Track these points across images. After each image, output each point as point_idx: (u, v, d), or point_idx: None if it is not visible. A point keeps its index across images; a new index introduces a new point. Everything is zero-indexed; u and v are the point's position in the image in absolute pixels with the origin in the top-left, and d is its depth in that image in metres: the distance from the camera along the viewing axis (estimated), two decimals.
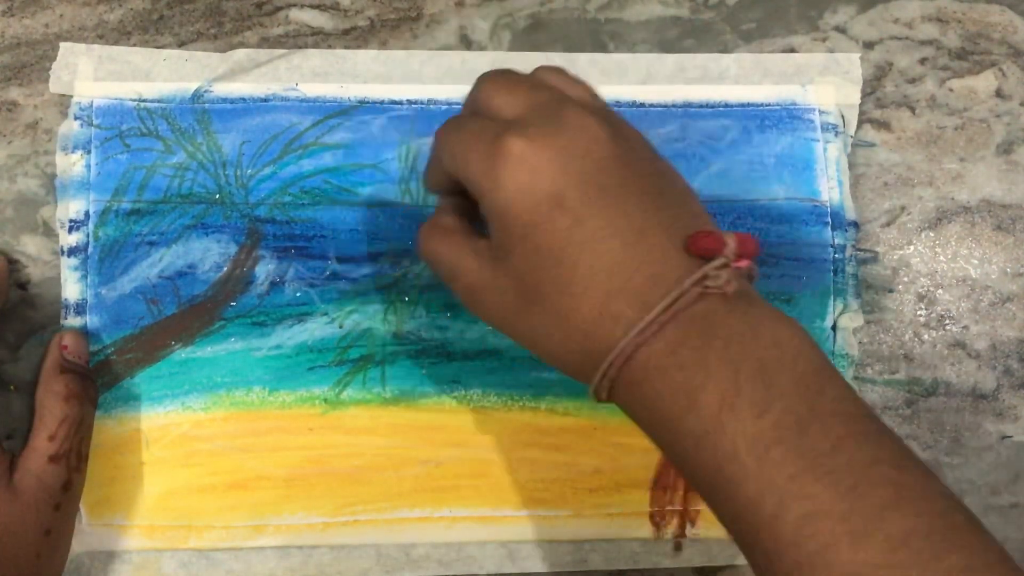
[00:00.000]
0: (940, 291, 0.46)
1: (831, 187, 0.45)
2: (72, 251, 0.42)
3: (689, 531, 0.43)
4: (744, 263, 0.30)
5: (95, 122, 0.43)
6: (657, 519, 0.43)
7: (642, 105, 0.45)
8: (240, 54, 0.44)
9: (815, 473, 0.27)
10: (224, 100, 0.44)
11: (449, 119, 0.35)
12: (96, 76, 0.44)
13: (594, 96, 0.36)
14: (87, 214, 0.43)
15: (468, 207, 0.36)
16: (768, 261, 0.44)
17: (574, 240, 0.30)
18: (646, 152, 0.33)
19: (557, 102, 0.33)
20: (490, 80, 0.34)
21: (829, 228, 0.45)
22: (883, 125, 0.46)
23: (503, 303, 0.32)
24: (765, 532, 0.28)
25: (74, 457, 0.38)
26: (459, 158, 0.32)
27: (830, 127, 0.45)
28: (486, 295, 0.33)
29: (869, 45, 0.47)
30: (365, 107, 0.44)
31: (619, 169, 0.31)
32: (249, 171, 0.43)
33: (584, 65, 0.45)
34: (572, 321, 0.30)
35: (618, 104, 0.45)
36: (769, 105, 0.45)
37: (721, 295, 0.29)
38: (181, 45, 0.45)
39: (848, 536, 0.26)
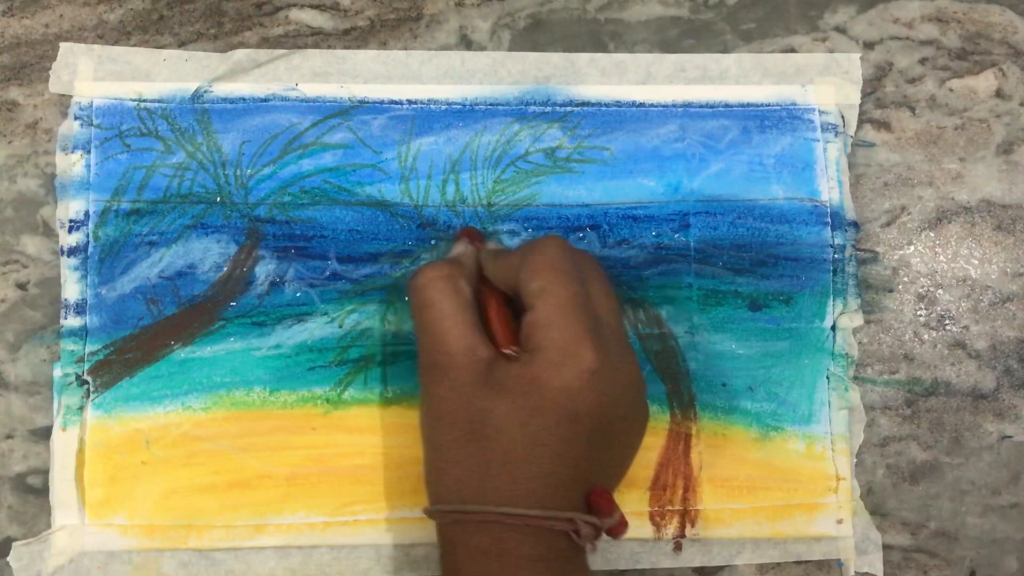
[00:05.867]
0: (940, 291, 0.46)
1: (831, 187, 0.45)
2: (72, 251, 0.42)
3: (689, 531, 0.43)
4: (607, 534, 0.35)
5: (95, 122, 0.43)
6: (657, 519, 0.43)
7: (642, 105, 0.45)
8: (240, 54, 0.44)
9: None
10: (224, 100, 0.44)
11: (547, 255, 0.36)
12: (96, 76, 0.44)
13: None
14: (87, 214, 0.43)
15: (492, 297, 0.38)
16: (768, 261, 0.44)
17: (562, 432, 0.34)
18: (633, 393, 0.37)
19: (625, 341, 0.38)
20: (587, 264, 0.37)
21: (829, 228, 0.45)
22: (883, 125, 0.46)
23: (467, 401, 0.35)
24: None
25: None
26: (554, 311, 0.35)
27: (830, 127, 0.45)
28: (463, 375, 0.36)
29: (869, 45, 0.47)
30: (365, 107, 0.44)
31: (616, 409, 0.36)
32: (249, 171, 0.43)
33: (584, 65, 0.45)
34: (485, 457, 0.35)
35: (618, 104, 0.45)
36: (769, 105, 0.45)
37: (568, 539, 0.35)
38: (181, 45, 0.45)
39: None
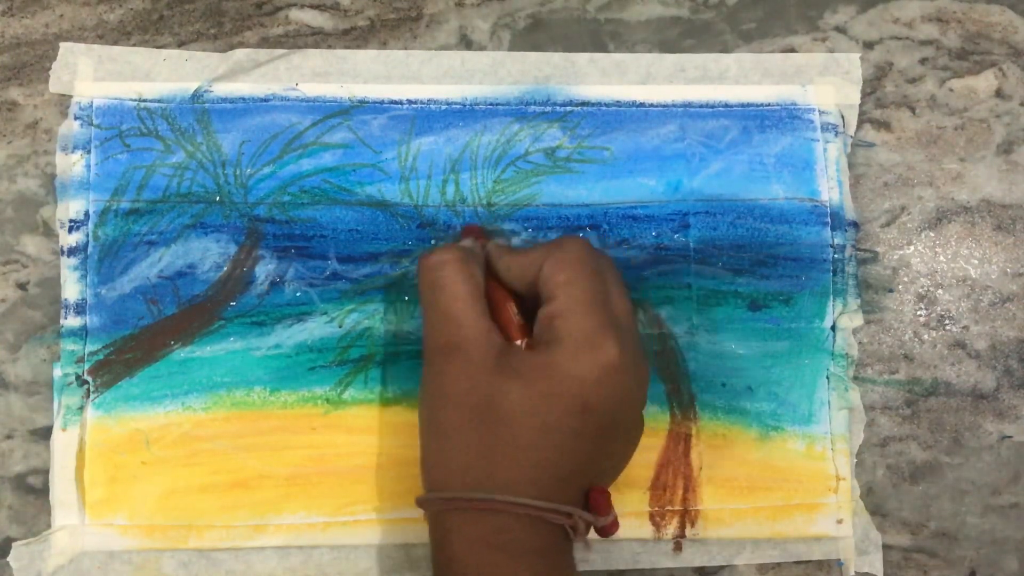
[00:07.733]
0: (940, 291, 0.46)
1: (831, 187, 0.45)
2: (72, 251, 0.42)
3: (689, 531, 0.43)
4: (597, 532, 0.36)
5: (95, 122, 0.43)
6: (657, 519, 0.43)
7: (642, 105, 0.45)
8: (240, 54, 0.44)
9: None
10: (224, 100, 0.44)
11: (566, 253, 0.36)
12: (96, 76, 0.44)
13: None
14: (87, 214, 0.43)
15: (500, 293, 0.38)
16: (767, 261, 0.44)
17: (563, 423, 0.35)
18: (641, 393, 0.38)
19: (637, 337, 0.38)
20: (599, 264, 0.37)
21: (829, 228, 0.45)
22: (883, 125, 0.46)
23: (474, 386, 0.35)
24: None
25: None
26: (576, 303, 0.35)
27: (830, 127, 0.45)
28: (472, 354, 0.35)
29: (869, 45, 0.47)
30: (365, 107, 0.44)
31: (625, 408, 0.36)
32: (249, 171, 0.43)
33: (584, 65, 0.45)
34: (489, 443, 0.35)
35: (618, 104, 0.45)
36: (769, 105, 0.45)
37: (562, 533, 0.35)
38: (181, 45, 0.45)
39: None
